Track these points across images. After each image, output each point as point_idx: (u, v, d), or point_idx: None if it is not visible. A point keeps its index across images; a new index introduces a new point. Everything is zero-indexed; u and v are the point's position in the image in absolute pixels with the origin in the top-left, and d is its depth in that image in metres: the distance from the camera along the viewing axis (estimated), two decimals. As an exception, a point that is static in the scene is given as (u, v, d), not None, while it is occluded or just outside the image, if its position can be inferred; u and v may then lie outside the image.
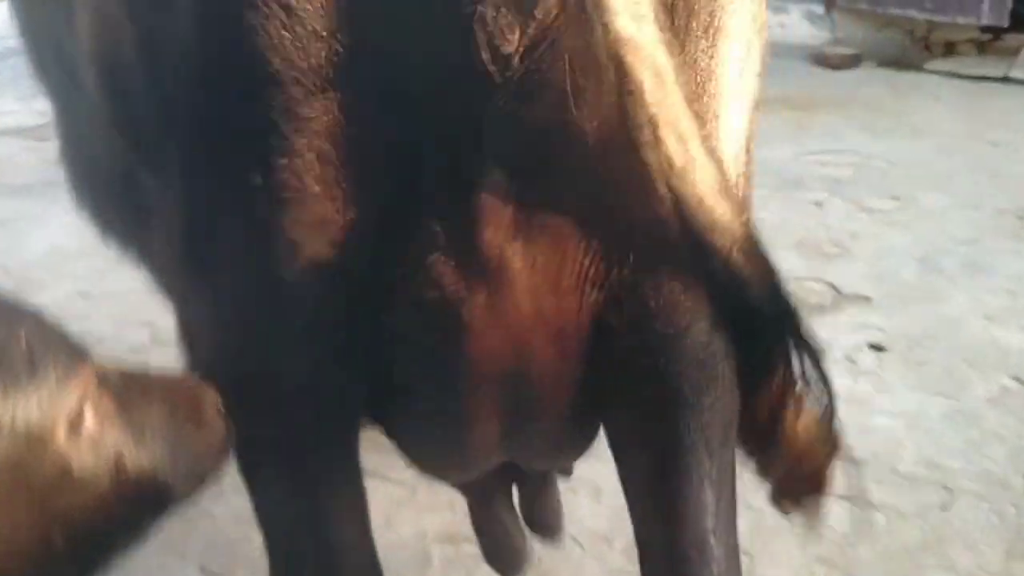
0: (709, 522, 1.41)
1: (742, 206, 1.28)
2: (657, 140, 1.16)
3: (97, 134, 1.62)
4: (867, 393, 3.25)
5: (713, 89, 1.30)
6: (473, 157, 1.22)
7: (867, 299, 3.85)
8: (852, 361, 3.44)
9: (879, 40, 7.57)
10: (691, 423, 1.38)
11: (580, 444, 1.62)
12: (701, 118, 1.25)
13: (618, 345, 1.36)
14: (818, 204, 4.80)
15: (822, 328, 3.69)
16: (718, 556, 1.42)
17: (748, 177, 1.43)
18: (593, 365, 1.38)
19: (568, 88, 1.18)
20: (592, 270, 1.31)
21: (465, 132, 1.22)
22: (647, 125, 1.16)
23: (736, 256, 1.22)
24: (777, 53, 7.72)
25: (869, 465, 2.89)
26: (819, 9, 7.79)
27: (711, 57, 1.29)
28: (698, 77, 1.28)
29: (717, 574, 1.42)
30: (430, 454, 1.60)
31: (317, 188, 1.23)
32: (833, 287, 3.94)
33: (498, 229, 1.26)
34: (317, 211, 1.24)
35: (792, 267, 4.08)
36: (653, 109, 1.15)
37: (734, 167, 1.36)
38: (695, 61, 1.28)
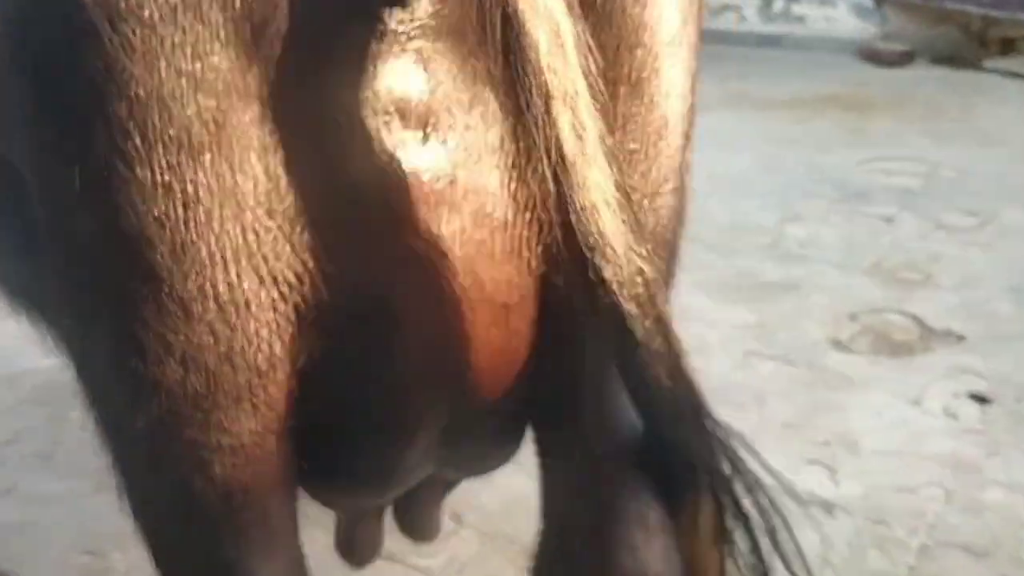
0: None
1: (656, 237, 1.17)
2: (548, 118, 0.98)
3: None
4: (976, 459, 2.72)
5: (647, 40, 1.12)
6: (384, 113, 1.02)
7: (960, 337, 3.30)
8: (953, 416, 2.91)
9: (932, 36, 7.08)
10: None
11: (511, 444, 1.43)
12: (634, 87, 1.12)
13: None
14: (888, 220, 4.25)
15: (912, 373, 3.21)
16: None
17: (688, 140, 1.24)
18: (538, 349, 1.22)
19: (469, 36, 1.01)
20: (526, 235, 1.13)
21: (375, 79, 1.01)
22: (536, 96, 0.98)
23: (626, 295, 1.04)
24: (823, 48, 7.21)
25: (990, 556, 2.37)
26: (868, 2, 7.28)
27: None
28: (632, 23, 1.10)
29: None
30: (364, 466, 1.34)
31: (142, 172, 0.96)
32: (919, 321, 3.40)
33: (427, 202, 1.07)
34: (151, 201, 0.98)
35: (869, 296, 3.55)
36: (547, 77, 0.97)
37: (678, 126, 1.20)
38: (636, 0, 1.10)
